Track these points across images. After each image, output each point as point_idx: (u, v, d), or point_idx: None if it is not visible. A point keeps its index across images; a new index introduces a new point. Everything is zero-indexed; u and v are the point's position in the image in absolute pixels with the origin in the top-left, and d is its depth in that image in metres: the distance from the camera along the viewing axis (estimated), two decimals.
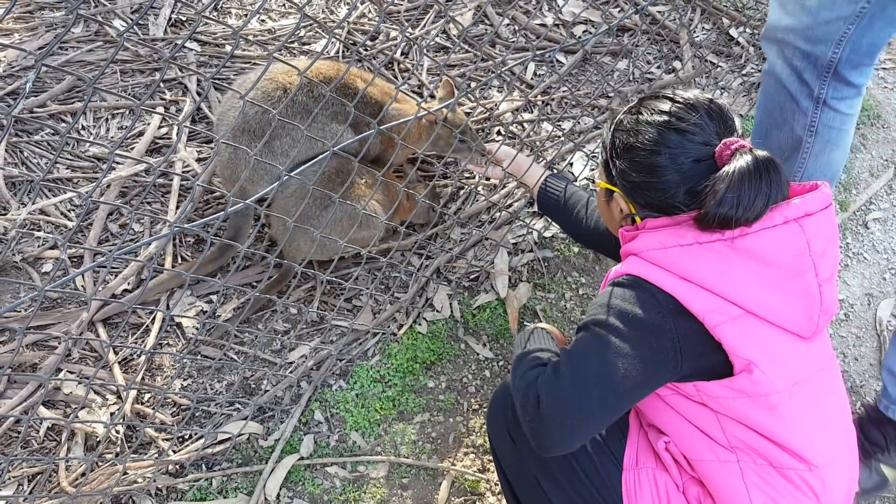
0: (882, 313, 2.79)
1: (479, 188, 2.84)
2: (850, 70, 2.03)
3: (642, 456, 1.58)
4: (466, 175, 2.88)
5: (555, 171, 2.70)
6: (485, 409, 2.35)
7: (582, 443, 1.42)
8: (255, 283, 2.48)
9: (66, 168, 2.68)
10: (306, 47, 3.23)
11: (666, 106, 1.46)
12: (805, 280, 1.36)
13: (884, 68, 3.75)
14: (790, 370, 1.39)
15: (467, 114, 2.98)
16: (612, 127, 1.55)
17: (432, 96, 2.93)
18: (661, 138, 1.43)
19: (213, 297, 2.45)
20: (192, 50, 3.12)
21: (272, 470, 2.12)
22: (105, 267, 2.38)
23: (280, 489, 2.11)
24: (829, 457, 1.44)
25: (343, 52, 3.16)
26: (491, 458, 2.26)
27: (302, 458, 2.17)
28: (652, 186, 1.46)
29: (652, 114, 1.47)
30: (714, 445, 1.46)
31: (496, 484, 2.20)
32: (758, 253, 1.34)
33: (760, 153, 1.36)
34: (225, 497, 2.08)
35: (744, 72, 3.42)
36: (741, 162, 1.34)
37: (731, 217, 1.33)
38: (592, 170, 2.93)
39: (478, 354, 2.47)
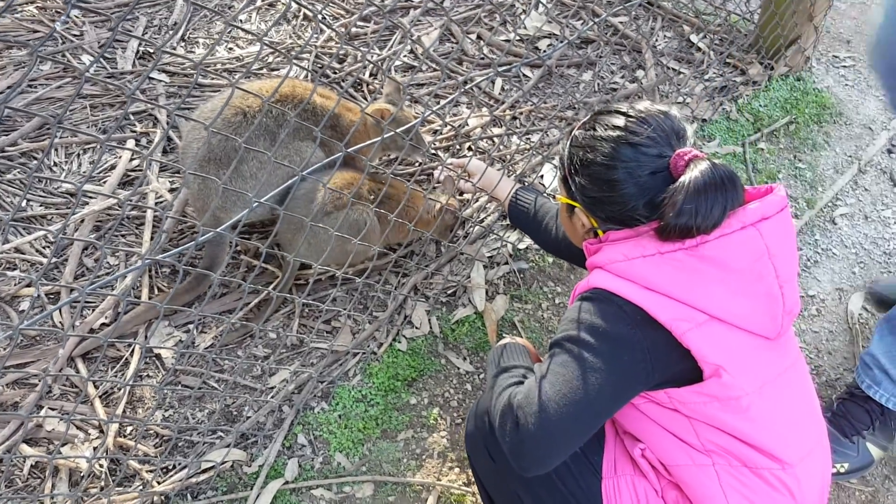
0: (853, 307, 2.84)
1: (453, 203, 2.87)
2: None
3: (620, 463, 1.60)
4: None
5: (525, 183, 2.75)
6: None
7: (561, 460, 1.43)
8: (232, 311, 2.50)
9: (40, 205, 2.69)
10: (275, 73, 3.26)
11: (619, 121, 1.48)
12: (766, 283, 1.39)
13: (843, 66, 3.84)
14: (758, 372, 1.42)
15: (436, 132, 3.02)
16: (568, 143, 1.57)
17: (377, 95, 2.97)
18: (615, 153, 1.45)
19: (191, 327, 2.45)
20: (160, 81, 3.14)
21: (258, 496, 2.13)
22: (78, 302, 2.39)
23: None
24: (801, 454, 1.47)
25: (311, 76, 3.19)
26: None
27: (287, 483, 2.18)
28: (611, 200, 1.48)
29: (605, 129, 1.49)
30: (689, 450, 1.49)
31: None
32: (718, 259, 1.38)
33: (715, 162, 1.40)
34: None
35: (706, 77, 3.49)
36: (696, 172, 1.37)
37: (690, 226, 1.36)
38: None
39: (458, 368, 2.49)
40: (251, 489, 2.13)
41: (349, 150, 1.85)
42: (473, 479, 2.25)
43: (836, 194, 3.24)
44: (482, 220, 2.81)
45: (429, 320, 2.57)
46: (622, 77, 3.44)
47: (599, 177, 1.48)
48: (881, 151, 3.43)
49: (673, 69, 3.53)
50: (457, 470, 2.27)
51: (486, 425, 1.70)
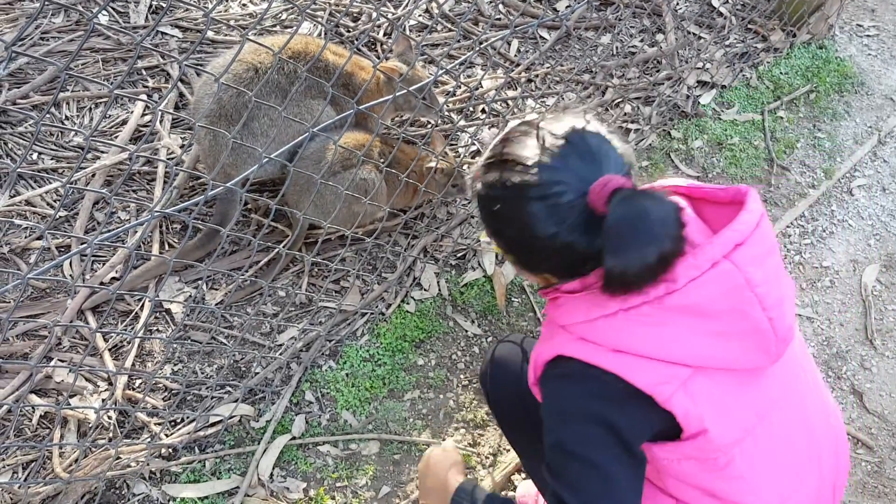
0: (867, 279, 2.81)
1: (465, 166, 2.85)
2: None
3: None
4: (453, 154, 2.88)
5: None
6: (474, 385, 2.38)
7: None
8: (241, 268, 2.50)
9: (51, 159, 2.68)
10: (288, 30, 3.22)
11: (509, 175, 1.23)
12: (751, 317, 1.19)
13: (867, 35, 3.75)
14: (744, 418, 1.27)
15: (449, 93, 2.99)
16: (479, 202, 1.33)
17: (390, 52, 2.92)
18: (526, 213, 1.22)
19: (200, 283, 2.46)
20: (173, 37, 3.11)
21: (265, 450, 2.15)
22: (87, 255, 2.40)
23: (273, 469, 2.13)
24: (782, 497, 1.35)
25: (324, 33, 3.15)
26: (481, 432, 2.28)
27: (294, 438, 2.19)
28: (542, 258, 1.29)
29: (499, 189, 1.25)
30: (659, 495, 1.39)
31: (486, 457, 2.23)
32: (692, 307, 1.19)
33: (641, 196, 1.15)
34: (219, 478, 2.10)
35: (726, 42, 3.42)
36: (617, 214, 1.14)
37: (626, 274, 1.14)
38: None
39: (466, 331, 2.49)
40: (258, 443, 2.15)
41: (361, 107, 1.83)
42: (478, 441, 2.26)
43: (855, 165, 3.18)
44: None
45: (437, 282, 2.56)
46: (641, 41, 3.38)
47: (517, 237, 1.28)
48: None
49: (693, 34, 3.46)
50: (462, 431, 2.28)
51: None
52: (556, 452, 1.27)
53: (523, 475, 2.21)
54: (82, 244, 2.45)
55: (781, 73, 3.40)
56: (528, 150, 1.23)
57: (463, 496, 1.51)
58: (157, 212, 1.59)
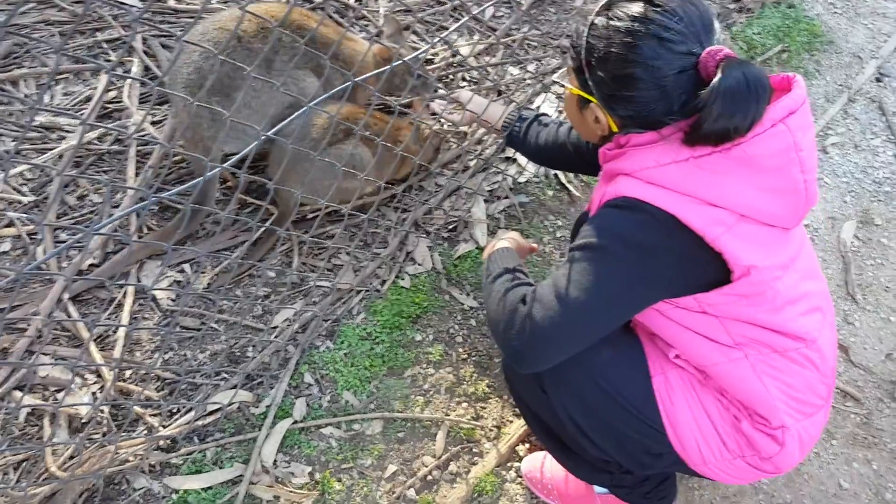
0: (845, 235, 2.86)
1: (450, 136, 2.79)
2: None
3: (661, 360, 1.62)
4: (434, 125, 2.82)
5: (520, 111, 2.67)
6: (473, 358, 2.35)
7: (562, 360, 1.46)
8: (224, 249, 2.40)
9: (12, 140, 2.52)
10: None
11: (641, 8, 1.34)
12: (792, 177, 1.36)
13: None
14: (777, 262, 1.42)
15: (429, 61, 2.91)
16: (587, 31, 1.41)
17: (379, 34, 2.83)
18: (638, 48, 1.33)
19: (186, 267, 2.36)
20: (133, 6, 2.94)
21: (266, 436, 2.09)
22: (84, 245, 2.27)
23: (276, 454, 2.08)
24: (818, 328, 1.53)
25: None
26: (484, 405, 2.27)
27: (296, 422, 2.14)
28: (633, 99, 1.38)
29: (626, 19, 1.34)
30: (721, 348, 1.50)
31: (490, 430, 2.22)
32: (751, 159, 1.33)
33: (748, 64, 1.30)
34: (221, 467, 2.03)
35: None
36: (732, 78, 1.28)
37: (727, 131, 1.30)
38: (559, 111, 2.89)
39: (462, 304, 2.46)
40: (260, 430, 2.09)
41: (357, 80, 1.75)
42: (481, 414, 2.24)
43: (828, 123, 3.23)
44: (481, 153, 2.73)
45: (431, 257, 2.51)
46: None
47: (619, 73, 1.36)
48: (870, 80, 3.43)
49: None
50: (465, 405, 2.26)
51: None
52: (574, 251, 1.43)
53: (527, 446, 2.20)
54: (56, 230, 2.33)
55: (754, 33, 3.41)
56: None
57: (495, 259, 1.71)
58: (153, 196, 1.49)
